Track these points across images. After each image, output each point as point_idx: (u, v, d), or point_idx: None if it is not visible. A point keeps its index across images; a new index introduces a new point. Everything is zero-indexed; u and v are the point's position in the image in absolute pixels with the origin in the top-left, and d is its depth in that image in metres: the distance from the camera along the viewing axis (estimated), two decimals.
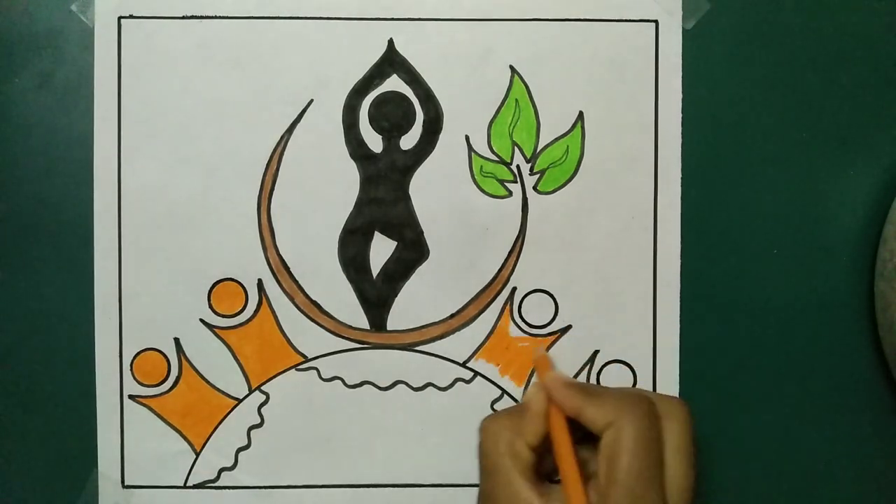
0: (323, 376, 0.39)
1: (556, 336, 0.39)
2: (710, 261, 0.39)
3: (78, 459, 0.39)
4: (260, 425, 0.39)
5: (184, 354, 0.39)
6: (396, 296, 0.39)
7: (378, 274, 0.39)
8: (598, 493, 0.31)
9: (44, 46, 0.38)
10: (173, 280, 0.39)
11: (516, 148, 0.39)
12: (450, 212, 0.39)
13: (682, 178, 0.39)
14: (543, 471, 0.34)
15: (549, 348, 0.39)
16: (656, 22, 0.38)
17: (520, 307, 0.39)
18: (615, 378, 0.39)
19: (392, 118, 0.39)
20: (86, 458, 0.39)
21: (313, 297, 0.39)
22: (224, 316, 0.39)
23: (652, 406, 0.32)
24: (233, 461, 0.39)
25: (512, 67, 0.38)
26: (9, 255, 0.39)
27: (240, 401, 0.39)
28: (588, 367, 0.39)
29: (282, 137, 0.38)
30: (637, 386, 0.39)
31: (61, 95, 0.38)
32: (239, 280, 0.39)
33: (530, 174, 0.39)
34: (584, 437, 0.33)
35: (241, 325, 0.39)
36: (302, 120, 0.38)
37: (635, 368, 0.39)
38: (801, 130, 0.39)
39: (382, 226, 0.39)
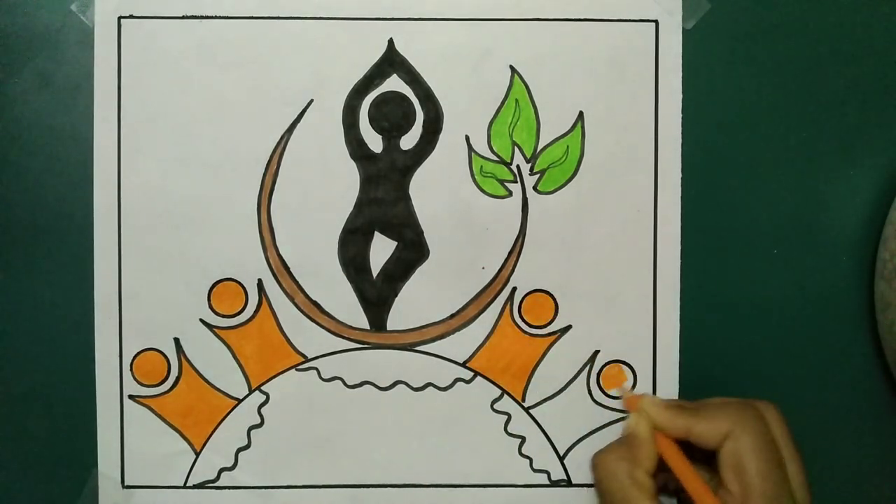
0: (323, 376, 0.39)
1: (556, 336, 0.39)
2: (710, 261, 0.39)
3: (78, 459, 0.39)
4: (260, 425, 0.39)
5: (184, 354, 0.39)
6: (396, 296, 0.39)
7: (378, 274, 0.39)
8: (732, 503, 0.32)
9: (44, 46, 0.38)
10: (173, 280, 0.39)
11: (516, 148, 0.39)
12: (450, 212, 0.39)
13: (682, 178, 0.39)
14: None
15: (549, 348, 0.39)
16: (656, 22, 0.38)
17: (520, 307, 0.39)
18: (615, 378, 0.39)
19: (392, 118, 0.39)
20: (86, 458, 0.39)
21: (313, 297, 0.39)
22: (224, 316, 0.39)
23: (758, 411, 0.33)
24: (233, 461, 0.39)
25: (512, 67, 0.38)
26: (9, 255, 0.39)
27: (240, 401, 0.39)
28: (588, 367, 0.39)
29: (282, 137, 0.38)
30: (637, 387, 0.39)
31: (61, 95, 0.38)
32: (239, 280, 0.39)
33: (530, 174, 0.39)
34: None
35: (241, 325, 0.39)
36: (302, 120, 0.38)
37: (635, 368, 0.39)
38: (801, 130, 0.39)
39: (382, 226, 0.39)
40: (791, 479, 0.32)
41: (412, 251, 0.39)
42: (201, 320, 0.39)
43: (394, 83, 0.39)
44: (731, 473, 0.32)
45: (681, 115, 0.39)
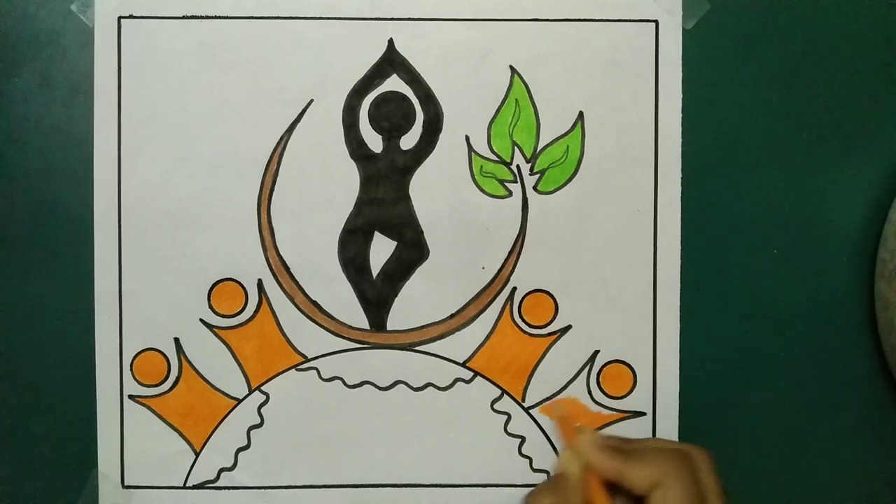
0: (323, 376, 0.39)
1: (556, 336, 0.39)
2: (710, 261, 0.39)
3: (78, 459, 0.39)
4: (260, 425, 0.39)
5: (184, 354, 0.39)
6: (396, 296, 0.39)
7: (378, 274, 0.39)
8: None
9: (44, 46, 0.38)
10: (173, 280, 0.39)
11: (516, 148, 0.39)
12: (450, 212, 0.39)
13: (682, 178, 0.39)
14: None
15: (549, 348, 0.39)
16: (656, 22, 0.38)
17: (520, 307, 0.39)
18: (615, 378, 0.39)
19: (392, 118, 0.39)
20: (86, 458, 0.39)
21: (313, 297, 0.39)
22: (224, 316, 0.39)
23: (692, 461, 0.32)
24: (233, 461, 0.39)
25: (512, 67, 0.39)
26: (9, 255, 0.39)
27: (240, 401, 0.39)
28: (588, 367, 0.39)
29: (282, 137, 0.38)
30: (637, 387, 0.39)
31: (61, 95, 0.38)
32: (239, 280, 0.39)
33: (530, 174, 0.39)
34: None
35: (241, 325, 0.39)
36: (302, 120, 0.38)
37: (635, 368, 0.39)
38: (801, 130, 0.39)
39: (382, 226, 0.39)
40: None
41: (412, 251, 0.39)
42: (201, 320, 0.39)
43: (394, 83, 0.39)
44: None
45: (681, 115, 0.39)
